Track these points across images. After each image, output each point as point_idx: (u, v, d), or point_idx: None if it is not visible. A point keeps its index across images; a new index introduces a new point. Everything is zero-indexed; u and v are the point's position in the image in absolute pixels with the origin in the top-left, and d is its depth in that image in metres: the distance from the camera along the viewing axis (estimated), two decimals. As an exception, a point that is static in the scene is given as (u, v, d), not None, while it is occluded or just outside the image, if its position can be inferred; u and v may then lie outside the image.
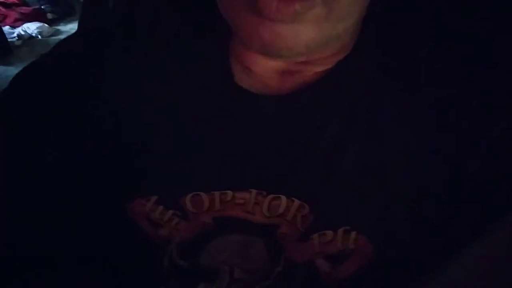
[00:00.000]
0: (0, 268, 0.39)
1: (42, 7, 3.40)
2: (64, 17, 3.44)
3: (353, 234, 0.35)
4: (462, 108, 0.33)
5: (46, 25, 3.22)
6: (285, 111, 0.36)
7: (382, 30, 0.36)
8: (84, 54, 0.41)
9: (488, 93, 0.33)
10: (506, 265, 0.25)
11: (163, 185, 0.38)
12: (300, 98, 0.36)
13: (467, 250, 0.27)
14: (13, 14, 3.26)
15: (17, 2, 3.41)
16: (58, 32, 3.21)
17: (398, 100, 0.34)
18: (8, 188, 0.40)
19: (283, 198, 0.36)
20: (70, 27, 3.17)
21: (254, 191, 0.36)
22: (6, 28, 3.07)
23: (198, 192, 0.37)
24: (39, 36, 3.11)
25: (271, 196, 0.36)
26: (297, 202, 0.35)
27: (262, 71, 0.37)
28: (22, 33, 3.10)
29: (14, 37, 3.06)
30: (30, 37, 3.11)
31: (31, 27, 3.13)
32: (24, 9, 3.34)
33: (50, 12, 3.41)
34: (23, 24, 3.17)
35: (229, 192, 0.37)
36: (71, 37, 0.45)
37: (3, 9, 3.28)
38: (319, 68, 0.36)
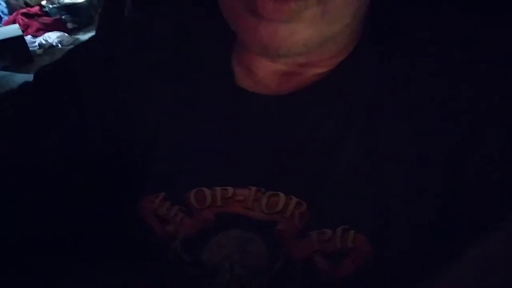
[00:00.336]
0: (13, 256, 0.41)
1: (63, 17, 3.50)
2: (83, 27, 3.54)
3: (352, 233, 0.35)
4: (461, 109, 0.33)
5: (66, 34, 3.31)
6: (283, 110, 0.37)
7: (381, 33, 0.37)
8: (98, 57, 0.43)
9: (489, 93, 0.33)
10: (506, 266, 0.25)
11: (170, 181, 0.40)
12: (298, 98, 0.37)
13: (468, 251, 0.27)
14: (35, 24, 3.36)
15: (39, 12, 3.53)
16: (78, 41, 3.29)
17: (397, 100, 0.35)
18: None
19: (281, 195, 0.36)
20: (89, 36, 3.25)
21: (253, 188, 0.37)
22: (28, 38, 3.17)
23: (201, 188, 0.38)
24: (59, 45, 3.20)
25: (270, 193, 0.37)
26: (294, 199, 0.36)
27: (263, 73, 0.38)
28: (43, 42, 3.19)
29: (36, 46, 3.16)
30: (51, 46, 3.20)
31: (52, 36, 3.23)
32: (46, 19, 3.44)
33: (70, 22, 3.51)
34: (44, 33, 3.27)
35: (230, 188, 0.38)
36: (87, 42, 0.47)
37: (25, 19, 3.39)
38: (319, 70, 0.37)
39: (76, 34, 3.45)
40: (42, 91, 0.43)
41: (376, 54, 0.36)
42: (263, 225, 0.37)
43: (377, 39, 0.37)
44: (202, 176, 0.39)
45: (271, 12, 0.30)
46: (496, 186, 0.31)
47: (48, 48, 3.18)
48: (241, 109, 0.38)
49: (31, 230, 0.42)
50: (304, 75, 0.37)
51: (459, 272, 0.26)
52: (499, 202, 0.31)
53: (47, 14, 3.55)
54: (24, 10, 3.49)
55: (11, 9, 3.58)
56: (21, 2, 3.65)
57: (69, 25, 3.50)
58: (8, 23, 3.44)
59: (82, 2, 3.58)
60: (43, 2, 3.69)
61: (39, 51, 3.12)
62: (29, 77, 0.46)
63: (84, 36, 3.37)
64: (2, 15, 3.58)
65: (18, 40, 2.90)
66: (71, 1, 3.62)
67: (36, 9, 3.56)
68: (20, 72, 2.68)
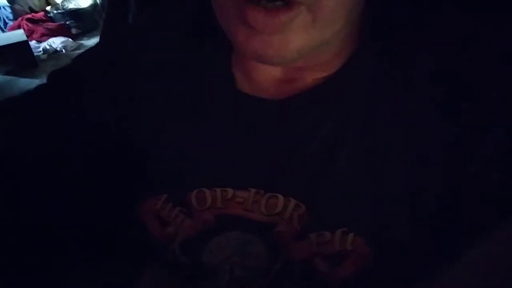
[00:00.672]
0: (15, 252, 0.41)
1: (67, 22, 3.54)
2: (88, 32, 3.57)
3: (351, 235, 0.35)
4: (461, 109, 0.33)
5: (70, 39, 3.34)
6: (282, 114, 0.38)
7: (380, 34, 0.37)
8: (102, 61, 0.44)
9: (488, 93, 0.33)
10: (506, 266, 0.25)
11: (172, 183, 0.40)
12: (297, 102, 0.37)
13: (468, 251, 0.27)
14: (40, 29, 3.40)
15: (43, 18, 3.56)
16: (82, 46, 3.32)
17: (396, 101, 0.35)
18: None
19: (280, 197, 0.37)
20: (93, 41, 3.29)
21: (252, 190, 0.37)
22: (33, 43, 3.20)
23: (201, 189, 0.39)
24: (64, 50, 3.23)
25: (269, 194, 0.37)
26: (293, 201, 0.36)
27: (262, 78, 0.39)
28: (48, 47, 3.22)
29: (40, 51, 3.19)
30: (55, 51, 3.23)
31: (56, 42, 3.26)
32: (50, 25, 3.48)
33: (74, 27, 3.55)
34: (48, 38, 3.30)
35: (230, 190, 0.38)
36: (94, 47, 0.49)
37: (30, 25, 3.43)
38: (318, 75, 0.38)
39: (81, 39, 3.48)
40: (50, 94, 0.44)
41: (375, 55, 0.36)
42: (262, 227, 0.37)
43: (376, 40, 0.37)
44: (203, 177, 0.39)
45: (262, 25, 0.30)
46: (496, 186, 0.31)
47: (52, 53, 3.21)
48: (241, 112, 0.39)
49: (32, 230, 0.42)
50: (303, 80, 0.38)
51: (459, 272, 0.26)
52: (499, 202, 0.31)
53: (51, 19, 3.59)
54: (28, 16, 3.53)
55: (16, 14, 3.62)
56: (26, 8, 3.69)
57: (74, 31, 3.54)
58: (13, 28, 3.48)
59: (86, 8, 3.62)
60: (48, 8, 3.73)
61: (43, 56, 3.15)
62: (34, 82, 0.47)
63: (89, 41, 3.40)
64: (7, 21, 3.62)
65: (22, 45, 2.93)
66: (75, 7, 3.66)
67: (40, 14, 3.60)
68: (24, 76, 2.70)
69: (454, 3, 0.37)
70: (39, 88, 0.45)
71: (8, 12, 3.63)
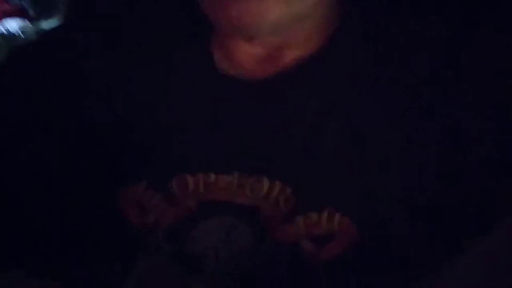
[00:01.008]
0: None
1: (24, 3, 3.35)
2: (46, 14, 3.39)
3: (338, 216, 0.35)
4: (448, 96, 0.33)
5: (28, 22, 3.17)
6: (264, 94, 0.37)
7: (366, 15, 0.37)
8: (73, 44, 0.43)
9: (475, 74, 0.33)
10: (506, 266, 0.25)
11: (152, 169, 0.39)
12: (280, 81, 0.37)
13: (468, 251, 0.27)
14: (-6, 11, 3.20)
15: (-3, -1, 3.35)
16: (42, 30, 3.16)
17: (381, 81, 0.35)
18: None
19: (265, 179, 0.36)
20: (53, 24, 3.14)
21: (236, 173, 0.37)
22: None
23: (183, 174, 0.38)
24: (22, 35, 3.06)
25: (253, 177, 0.36)
26: (279, 183, 0.36)
27: (242, 56, 0.38)
28: (3, 30, 3.05)
29: (-5, 34, 3.01)
30: (12, 35, 3.06)
31: (13, 24, 3.08)
32: (5, 6, 3.28)
33: (31, 9, 3.36)
34: (3, 21, 3.12)
35: (212, 174, 0.37)
36: (57, 28, 0.48)
37: (-18, 6, 3.22)
38: (299, 52, 0.37)
39: (39, 22, 3.31)
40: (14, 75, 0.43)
41: (360, 34, 0.36)
42: (247, 211, 0.37)
43: (358, 18, 0.37)
44: (184, 161, 0.38)
45: None
46: (484, 177, 0.32)
47: (9, 37, 3.04)
48: (222, 93, 0.38)
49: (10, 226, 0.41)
50: (284, 58, 0.37)
51: (459, 272, 0.26)
52: (486, 194, 0.32)
53: (6, 0, 3.39)
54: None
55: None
56: (-23, -12, 3.46)
57: (31, 12, 3.36)
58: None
59: (43, -11, 3.43)
60: (2, -12, 3.51)
61: None
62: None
63: (48, 25, 3.23)
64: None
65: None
66: (31, -13, 3.45)
67: (-6, -5, 3.39)
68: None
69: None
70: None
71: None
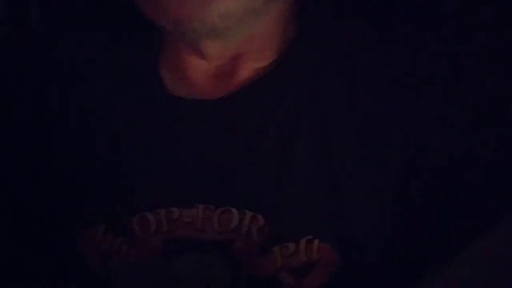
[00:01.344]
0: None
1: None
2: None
3: (316, 243, 0.33)
4: (413, 107, 0.32)
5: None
6: (222, 115, 0.35)
7: (322, 24, 0.36)
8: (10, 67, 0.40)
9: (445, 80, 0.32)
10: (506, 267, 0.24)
11: (109, 210, 0.36)
12: (237, 100, 0.35)
13: (467, 251, 0.25)
14: None
15: None
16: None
17: (345, 93, 0.34)
18: None
19: (234, 210, 0.34)
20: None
21: (201, 206, 0.34)
22: None
23: (143, 213, 0.35)
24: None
25: (220, 209, 0.34)
26: (249, 213, 0.33)
27: (195, 74, 0.36)
28: None
29: None
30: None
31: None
32: None
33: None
34: None
35: (175, 209, 0.34)
36: None
37: None
38: (253, 65, 0.35)
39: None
40: None
41: (319, 43, 0.35)
42: (218, 246, 0.34)
43: (316, 27, 0.35)
44: (143, 198, 0.35)
45: None
46: (461, 184, 0.31)
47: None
48: (174, 118, 0.36)
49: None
50: (238, 73, 0.35)
51: (458, 272, 0.25)
52: (465, 199, 0.30)
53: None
54: None
55: None
56: None
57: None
58: None
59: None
60: None
61: None
62: None
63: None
64: None
65: None
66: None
67: None
68: None
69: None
70: None
71: None
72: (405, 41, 0.34)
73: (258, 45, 0.35)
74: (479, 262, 0.24)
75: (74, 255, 0.36)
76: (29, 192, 0.38)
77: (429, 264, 0.27)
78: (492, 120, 0.31)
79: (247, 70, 0.35)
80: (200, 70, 0.36)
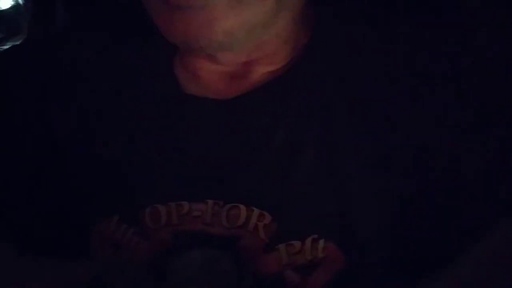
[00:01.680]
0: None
1: (-14, 25, 3.26)
2: (11, 36, 3.31)
3: (321, 242, 0.33)
4: (417, 110, 0.33)
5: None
6: (234, 114, 0.36)
7: (334, 28, 0.36)
8: (33, 62, 0.41)
9: (438, 88, 0.33)
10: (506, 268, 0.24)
11: (123, 201, 0.37)
12: (249, 100, 0.36)
13: (468, 252, 0.26)
14: (-45, 35, 3.10)
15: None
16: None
17: (353, 101, 0.34)
18: None
19: (242, 207, 0.34)
20: (18, 46, 3.06)
21: (210, 202, 0.35)
22: None
23: (155, 205, 0.35)
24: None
25: (229, 205, 0.34)
26: (256, 211, 0.34)
27: (209, 76, 0.37)
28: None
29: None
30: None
31: (-24, 48, 2.99)
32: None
33: (-5, 31, 3.28)
34: (-34, 45, 3.02)
35: (185, 203, 0.35)
36: (18, 46, 0.46)
37: None
38: (266, 69, 0.36)
39: (4, 45, 3.22)
40: None
41: (332, 47, 0.35)
42: (225, 242, 0.35)
43: (329, 33, 0.36)
44: (155, 191, 0.36)
45: None
46: (463, 185, 0.31)
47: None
48: (189, 116, 0.36)
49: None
50: (251, 75, 0.36)
51: (460, 273, 0.25)
52: (467, 200, 0.31)
53: (-32, 23, 3.29)
54: None
55: None
56: None
57: (-5, 34, 3.27)
58: None
59: (7, 9, 3.35)
60: (-37, 11, 3.42)
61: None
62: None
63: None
64: None
65: None
66: (-6, 8, 3.37)
67: (-46, 18, 3.29)
68: None
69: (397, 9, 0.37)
70: None
71: None
72: (412, 43, 0.35)
73: (269, 51, 0.35)
74: (480, 263, 0.24)
75: (86, 246, 0.37)
76: (46, 182, 0.39)
77: (433, 264, 0.28)
78: (493, 120, 0.32)
79: (259, 73, 0.36)
80: (213, 73, 0.37)
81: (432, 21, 0.34)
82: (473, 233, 0.25)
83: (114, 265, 0.37)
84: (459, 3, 0.35)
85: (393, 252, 0.33)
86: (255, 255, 0.34)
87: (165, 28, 0.32)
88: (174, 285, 0.36)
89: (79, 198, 0.38)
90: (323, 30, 0.36)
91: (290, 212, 0.34)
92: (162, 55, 0.38)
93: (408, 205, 0.33)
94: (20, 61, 0.42)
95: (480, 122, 0.32)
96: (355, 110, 0.34)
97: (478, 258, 0.24)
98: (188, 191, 0.35)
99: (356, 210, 0.33)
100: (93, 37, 0.41)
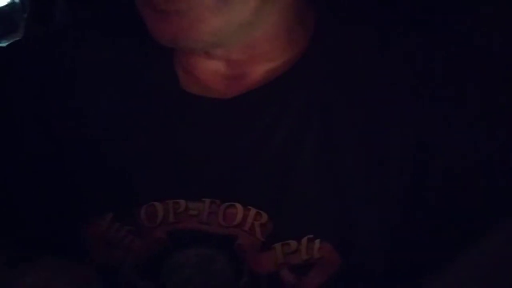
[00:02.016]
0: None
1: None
2: (6, 35, 3.29)
3: (317, 242, 0.33)
4: (417, 110, 0.33)
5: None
6: (233, 114, 0.36)
7: (332, 32, 0.36)
8: (32, 59, 0.41)
9: (447, 91, 0.33)
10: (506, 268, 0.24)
11: (118, 199, 0.36)
12: (248, 100, 0.36)
13: (468, 253, 0.26)
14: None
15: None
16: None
17: (353, 102, 0.34)
18: None
19: (239, 206, 0.34)
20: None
21: (207, 200, 0.35)
22: None
23: (152, 203, 0.35)
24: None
25: (226, 204, 0.34)
26: (253, 210, 0.34)
27: (206, 75, 0.37)
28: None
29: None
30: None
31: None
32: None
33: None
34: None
35: (182, 202, 0.35)
36: (16, 43, 0.46)
37: None
38: (265, 67, 0.36)
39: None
40: None
41: (330, 48, 0.35)
42: (222, 241, 0.35)
43: (330, 34, 0.36)
44: (152, 188, 0.36)
45: (163, 2, 0.29)
46: (462, 185, 0.31)
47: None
48: (188, 114, 0.36)
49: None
50: (250, 74, 0.36)
51: (458, 274, 0.25)
52: (469, 200, 0.31)
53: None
54: None
55: None
56: None
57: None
58: None
59: (2, 7, 3.33)
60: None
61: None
62: None
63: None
64: None
65: None
66: (-10, 6, 3.35)
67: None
68: None
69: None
70: None
71: None
72: (412, 43, 0.35)
73: (264, 49, 0.35)
74: (480, 263, 0.24)
75: (79, 245, 0.37)
76: (41, 178, 0.38)
77: (430, 266, 0.28)
78: (497, 121, 0.32)
79: (258, 71, 0.36)
80: (209, 71, 0.37)
81: (432, 21, 0.35)
82: (473, 233, 0.25)
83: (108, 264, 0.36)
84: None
85: (391, 254, 0.33)
86: (251, 254, 0.34)
87: (153, 31, 0.32)
88: (170, 285, 0.35)
89: (74, 194, 0.38)
90: (323, 30, 0.36)
91: (287, 211, 0.34)
92: (162, 54, 0.38)
93: (406, 206, 0.33)
94: (18, 59, 0.42)
95: (483, 123, 0.32)
96: (355, 110, 0.34)
97: (477, 258, 0.24)
98: (185, 189, 0.35)
99: (354, 210, 0.33)
100: (91, 35, 0.41)
